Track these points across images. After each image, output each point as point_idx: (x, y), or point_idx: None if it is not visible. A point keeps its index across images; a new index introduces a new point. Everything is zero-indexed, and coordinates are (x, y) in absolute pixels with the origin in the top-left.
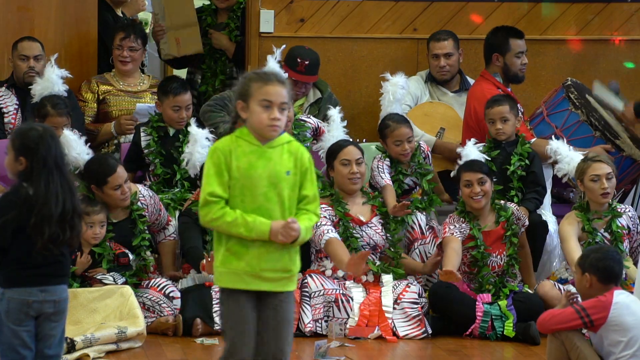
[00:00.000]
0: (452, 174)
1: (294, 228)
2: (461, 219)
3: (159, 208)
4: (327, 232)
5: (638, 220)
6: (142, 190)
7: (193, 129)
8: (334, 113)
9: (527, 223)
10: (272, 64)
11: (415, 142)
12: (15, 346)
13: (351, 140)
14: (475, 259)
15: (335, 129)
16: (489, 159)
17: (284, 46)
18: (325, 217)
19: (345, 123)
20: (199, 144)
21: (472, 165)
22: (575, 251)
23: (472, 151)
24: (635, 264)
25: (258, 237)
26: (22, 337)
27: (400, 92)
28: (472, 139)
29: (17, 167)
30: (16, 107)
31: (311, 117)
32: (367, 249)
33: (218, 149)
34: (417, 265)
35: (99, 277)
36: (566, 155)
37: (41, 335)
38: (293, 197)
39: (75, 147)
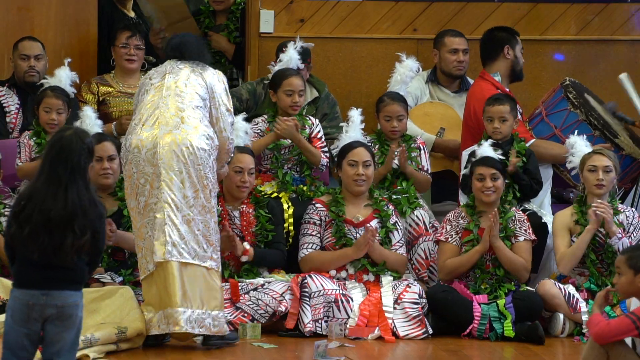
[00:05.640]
0: (462, 171)
1: None
2: (462, 214)
3: None
4: (304, 248)
5: (635, 221)
6: None
7: (239, 121)
8: (355, 114)
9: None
10: (292, 52)
11: (406, 122)
12: (14, 348)
13: (365, 142)
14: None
15: (352, 130)
16: (503, 158)
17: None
18: (314, 222)
19: (363, 125)
20: (235, 133)
21: (487, 160)
22: (563, 246)
23: (487, 151)
24: None
25: None
26: (21, 339)
27: (409, 74)
28: (489, 140)
29: None
30: (17, 106)
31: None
32: None
33: None
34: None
35: (96, 277)
36: (579, 150)
37: (47, 340)
38: None
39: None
